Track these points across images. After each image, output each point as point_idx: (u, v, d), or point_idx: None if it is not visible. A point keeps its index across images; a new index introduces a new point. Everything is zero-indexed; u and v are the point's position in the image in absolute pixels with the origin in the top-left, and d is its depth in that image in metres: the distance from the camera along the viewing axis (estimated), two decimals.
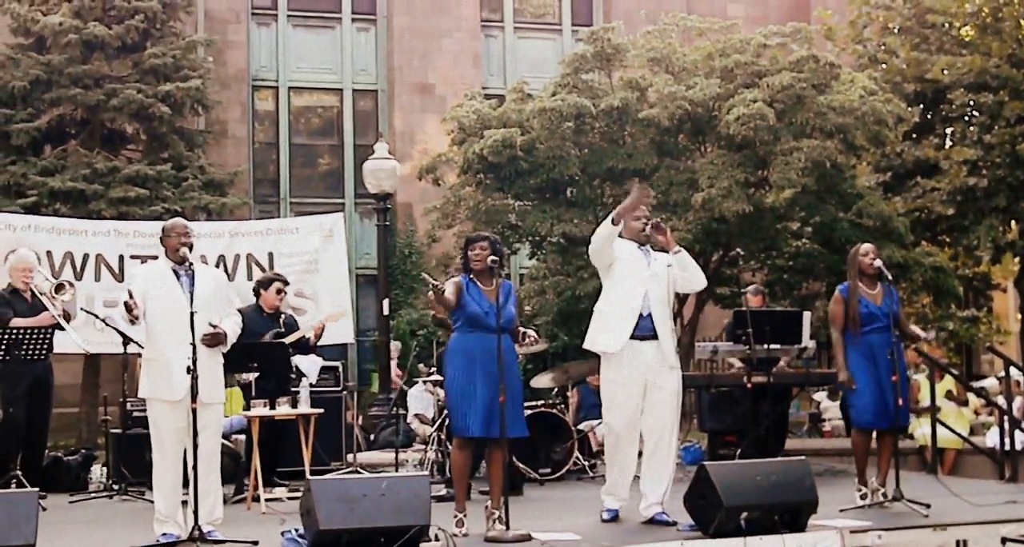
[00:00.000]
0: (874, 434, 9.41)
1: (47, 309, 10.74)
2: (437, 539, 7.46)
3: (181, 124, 19.43)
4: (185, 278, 8.02)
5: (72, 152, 18.39)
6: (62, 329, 10.77)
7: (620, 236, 8.50)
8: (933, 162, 18.67)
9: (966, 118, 19.52)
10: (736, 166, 15.25)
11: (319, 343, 11.55)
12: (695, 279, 8.65)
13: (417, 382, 14.25)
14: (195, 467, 7.67)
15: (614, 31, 16.67)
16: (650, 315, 8.39)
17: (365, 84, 23.77)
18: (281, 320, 11.09)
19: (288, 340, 10.83)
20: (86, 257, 13.09)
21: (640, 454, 8.61)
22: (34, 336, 10.41)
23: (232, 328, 8.24)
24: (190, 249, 8.08)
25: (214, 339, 7.98)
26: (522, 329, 8.36)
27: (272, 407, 10.07)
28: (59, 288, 10.86)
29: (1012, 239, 19.60)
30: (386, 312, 17.32)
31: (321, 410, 10.51)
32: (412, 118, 22.99)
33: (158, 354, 8.00)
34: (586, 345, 8.73)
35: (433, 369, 12.94)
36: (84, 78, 18.35)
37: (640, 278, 8.43)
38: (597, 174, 16.43)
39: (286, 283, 11.35)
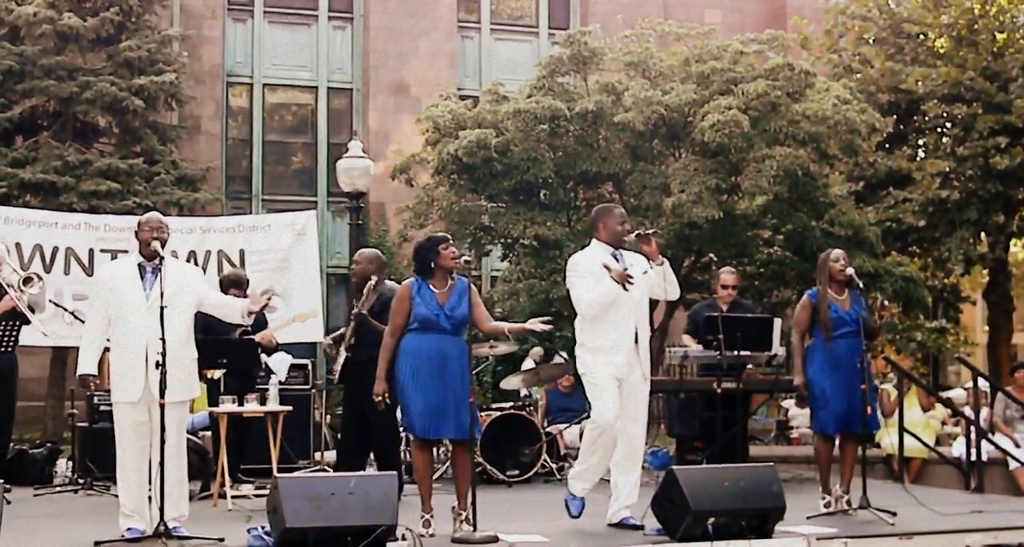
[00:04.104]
0: (837, 441, 9.43)
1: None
2: (404, 539, 7.42)
3: (154, 118, 19.35)
4: (150, 275, 7.88)
5: (44, 144, 18.28)
6: (27, 322, 10.61)
7: (598, 239, 8.37)
8: (906, 173, 18.76)
9: (939, 130, 19.65)
10: (708, 172, 15.26)
11: (288, 341, 11.49)
12: (671, 291, 8.40)
13: None
14: (161, 463, 7.60)
15: (591, 34, 16.67)
16: (635, 327, 8.24)
17: (340, 82, 23.72)
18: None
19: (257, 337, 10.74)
20: (56, 250, 12.96)
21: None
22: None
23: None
24: (162, 244, 7.93)
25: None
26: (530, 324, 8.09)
27: (240, 404, 10.02)
28: (27, 281, 10.64)
29: (983, 252, 19.69)
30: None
31: (289, 408, 10.45)
32: (387, 117, 22.96)
33: (117, 357, 7.92)
34: (589, 380, 8.18)
35: None
36: (57, 70, 18.25)
37: (622, 299, 8.10)
38: (571, 177, 16.43)
39: (243, 288, 11.05)
